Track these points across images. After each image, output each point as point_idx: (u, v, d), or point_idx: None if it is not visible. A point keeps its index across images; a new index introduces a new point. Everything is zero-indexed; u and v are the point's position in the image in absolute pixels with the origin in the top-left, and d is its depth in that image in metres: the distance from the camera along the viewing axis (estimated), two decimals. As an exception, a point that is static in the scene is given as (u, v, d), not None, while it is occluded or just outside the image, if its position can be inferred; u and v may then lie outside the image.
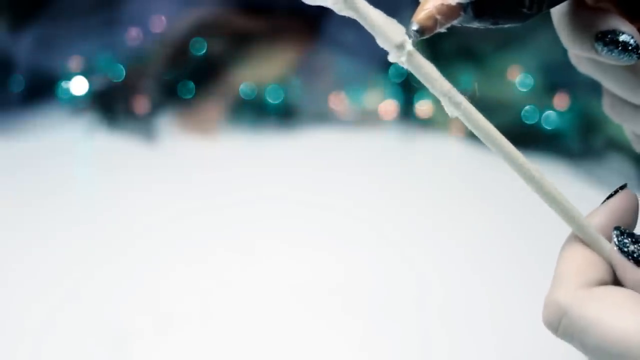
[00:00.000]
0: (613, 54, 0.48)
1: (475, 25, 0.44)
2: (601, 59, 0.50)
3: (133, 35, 1.46)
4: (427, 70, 0.42)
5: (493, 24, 0.44)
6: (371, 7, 0.41)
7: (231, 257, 1.16)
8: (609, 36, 0.48)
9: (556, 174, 1.36)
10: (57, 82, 1.46)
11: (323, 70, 1.47)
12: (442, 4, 0.43)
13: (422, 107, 1.44)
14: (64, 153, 1.38)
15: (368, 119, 1.43)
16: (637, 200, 0.45)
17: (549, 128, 1.36)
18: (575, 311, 0.40)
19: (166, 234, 1.19)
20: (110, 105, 1.45)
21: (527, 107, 1.35)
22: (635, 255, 0.41)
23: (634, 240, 0.42)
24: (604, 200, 0.45)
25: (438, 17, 0.42)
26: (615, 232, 0.43)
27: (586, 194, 1.29)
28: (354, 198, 1.28)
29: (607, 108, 0.57)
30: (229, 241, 1.19)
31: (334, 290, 1.10)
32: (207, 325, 1.05)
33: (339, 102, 1.43)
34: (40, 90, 1.46)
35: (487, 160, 1.39)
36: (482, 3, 0.43)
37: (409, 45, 0.41)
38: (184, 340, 1.04)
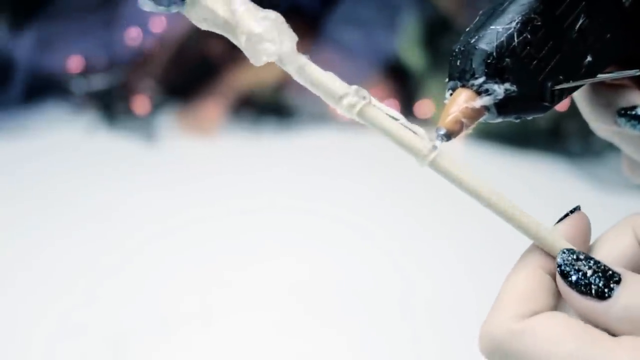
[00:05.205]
0: (636, 128, 0.49)
1: (499, 120, 0.45)
2: (623, 132, 0.51)
3: (133, 35, 1.46)
4: (381, 123, 0.43)
5: (516, 118, 0.45)
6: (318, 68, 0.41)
7: (230, 255, 1.16)
8: (630, 112, 0.49)
9: (556, 174, 1.36)
10: (57, 82, 1.46)
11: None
12: (467, 107, 0.43)
13: (422, 107, 1.44)
14: (64, 153, 1.38)
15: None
16: (588, 223, 0.44)
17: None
18: (507, 346, 0.40)
19: (166, 232, 1.20)
20: (110, 105, 1.45)
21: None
22: (578, 285, 0.40)
23: (577, 268, 0.41)
24: (556, 223, 0.44)
25: (464, 120, 0.43)
26: (559, 258, 0.41)
27: (586, 194, 1.29)
28: (353, 198, 1.28)
29: (627, 170, 0.58)
30: (229, 240, 1.19)
31: (334, 288, 1.10)
32: (206, 322, 1.05)
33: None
34: (40, 90, 1.46)
35: (486, 160, 1.39)
36: (505, 103, 0.44)
37: (355, 100, 0.42)
38: (182, 339, 1.04)
